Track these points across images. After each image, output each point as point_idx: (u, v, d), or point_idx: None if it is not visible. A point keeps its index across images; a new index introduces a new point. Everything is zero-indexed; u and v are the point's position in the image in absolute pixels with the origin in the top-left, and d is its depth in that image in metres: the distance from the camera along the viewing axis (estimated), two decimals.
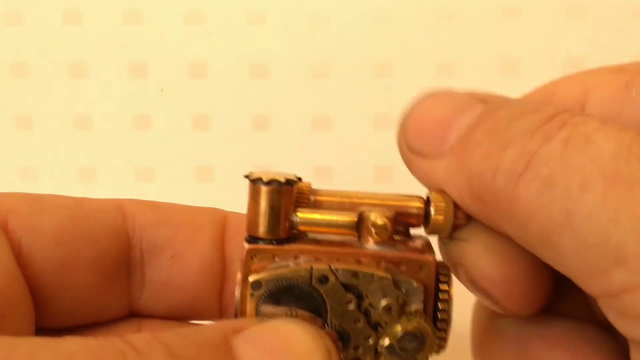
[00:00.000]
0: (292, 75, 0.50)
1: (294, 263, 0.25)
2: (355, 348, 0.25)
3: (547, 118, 0.22)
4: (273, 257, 0.25)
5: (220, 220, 0.30)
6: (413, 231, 0.26)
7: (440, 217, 0.25)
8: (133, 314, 0.30)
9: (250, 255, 0.25)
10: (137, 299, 0.30)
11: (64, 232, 0.27)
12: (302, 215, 0.25)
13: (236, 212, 0.30)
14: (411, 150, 0.25)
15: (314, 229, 0.25)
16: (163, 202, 0.30)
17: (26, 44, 0.48)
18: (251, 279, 0.25)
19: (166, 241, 0.29)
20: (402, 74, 0.51)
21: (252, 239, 0.25)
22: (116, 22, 0.49)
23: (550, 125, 0.21)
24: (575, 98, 0.26)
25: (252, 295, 0.25)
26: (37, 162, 0.49)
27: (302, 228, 0.25)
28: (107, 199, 0.29)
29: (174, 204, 0.30)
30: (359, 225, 0.25)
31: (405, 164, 0.25)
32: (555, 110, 0.22)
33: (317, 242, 0.25)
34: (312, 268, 0.25)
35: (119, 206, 0.29)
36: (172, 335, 0.22)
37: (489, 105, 0.23)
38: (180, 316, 0.30)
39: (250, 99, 0.50)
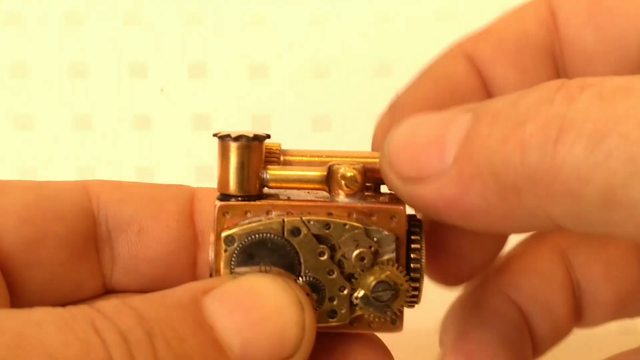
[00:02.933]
0: (292, 75, 0.50)
1: (266, 218, 0.25)
2: (331, 299, 0.25)
3: (556, 86, 0.20)
4: (245, 213, 0.25)
5: (187, 194, 0.30)
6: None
7: None
8: (109, 291, 0.30)
9: (222, 212, 0.25)
10: (109, 276, 0.30)
11: (30, 211, 0.27)
12: (272, 171, 0.25)
13: (205, 187, 0.30)
14: (408, 181, 0.22)
15: (284, 185, 0.25)
16: (128, 182, 0.30)
17: (26, 44, 0.49)
18: (224, 234, 0.25)
19: (131, 216, 0.29)
20: (403, 75, 0.51)
21: (224, 196, 0.25)
22: (116, 23, 0.49)
23: (566, 90, 0.19)
24: (543, 19, 0.26)
25: (225, 251, 0.25)
26: (37, 162, 0.50)
27: (272, 185, 0.25)
28: (71, 181, 0.30)
29: (139, 182, 0.31)
30: (329, 180, 0.25)
31: (407, 202, 0.24)
32: (559, 80, 0.20)
33: (289, 198, 0.25)
34: (284, 220, 0.25)
35: (82, 186, 0.29)
36: (141, 299, 0.22)
37: (476, 108, 0.21)
38: (154, 290, 0.30)
39: (250, 99, 0.50)
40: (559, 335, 0.30)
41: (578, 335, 0.30)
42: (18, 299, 0.27)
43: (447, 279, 0.29)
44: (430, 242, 0.26)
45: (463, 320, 0.29)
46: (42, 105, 0.49)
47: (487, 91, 0.27)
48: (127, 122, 0.50)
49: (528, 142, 0.19)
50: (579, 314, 0.30)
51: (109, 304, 0.21)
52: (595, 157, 0.18)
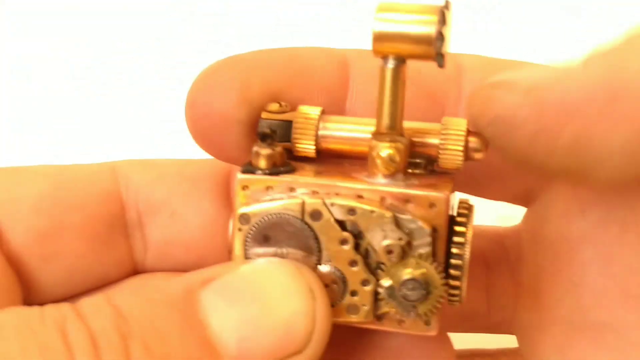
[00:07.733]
0: None
1: (287, 196, 0.22)
2: (353, 294, 0.22)
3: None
4: (266, 188, 0.22)
5: (222, 170, 0.27)
6: None
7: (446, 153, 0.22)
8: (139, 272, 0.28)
9: (242, 185, 0.22)
10: (142, 261, 0.27)
11: (45, 201, 0.25)
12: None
13: None
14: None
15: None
16: (159, 160, 0.28)
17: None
18: (239, 211, 0.22)
19: (163, 199, 0.27)
20: None
21: (247, 169, 0.22)
22: None
23: None
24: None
25: (239, 230, 0.22)
26: None
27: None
28: (98, 163, 0.28)
29: (170, 159, 0.28)
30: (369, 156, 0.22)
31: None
32: None
33: (318, 173, 0.22)
34: (303, 202, 0.22)
35: (110, 168, 0.27)
36: (128, 295, 0.20)
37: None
38: None
39: None
40: None
41: None
42: (36, 293, 0.25)
43: None
44: None
45: None
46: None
47: None
48: None
49: None
50: None
51: (89, 302, 0.20)
52: None
